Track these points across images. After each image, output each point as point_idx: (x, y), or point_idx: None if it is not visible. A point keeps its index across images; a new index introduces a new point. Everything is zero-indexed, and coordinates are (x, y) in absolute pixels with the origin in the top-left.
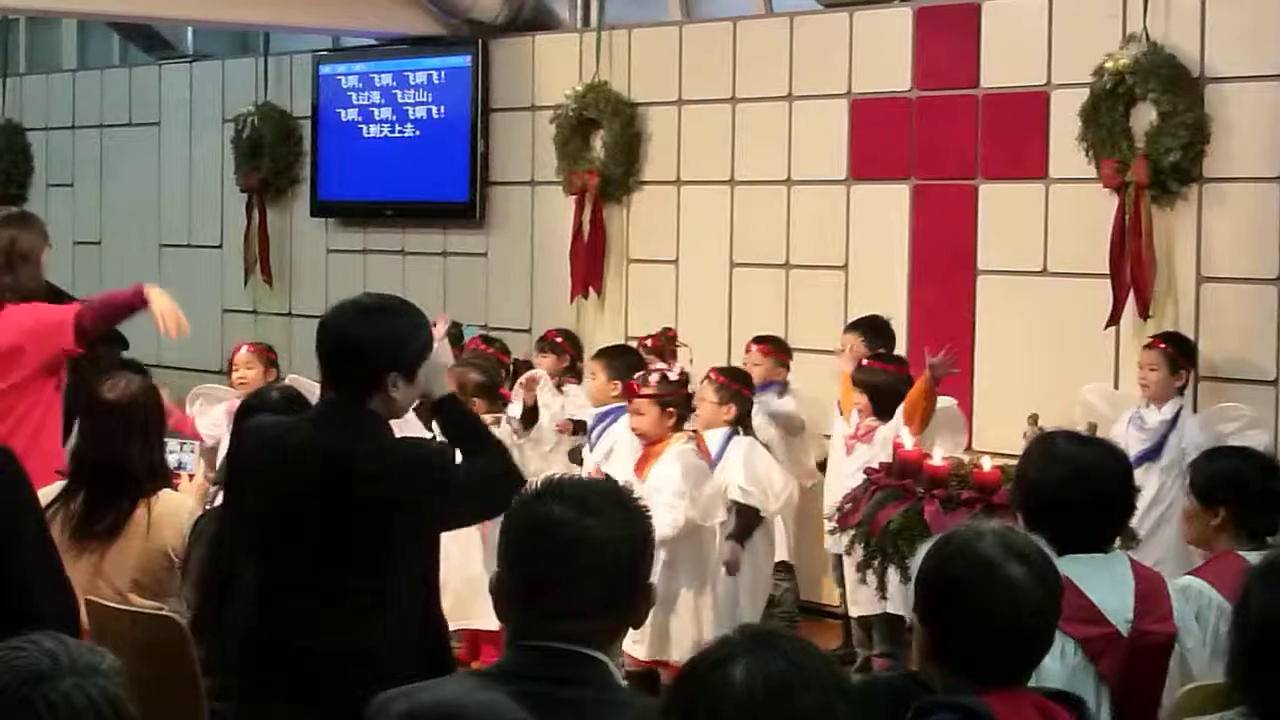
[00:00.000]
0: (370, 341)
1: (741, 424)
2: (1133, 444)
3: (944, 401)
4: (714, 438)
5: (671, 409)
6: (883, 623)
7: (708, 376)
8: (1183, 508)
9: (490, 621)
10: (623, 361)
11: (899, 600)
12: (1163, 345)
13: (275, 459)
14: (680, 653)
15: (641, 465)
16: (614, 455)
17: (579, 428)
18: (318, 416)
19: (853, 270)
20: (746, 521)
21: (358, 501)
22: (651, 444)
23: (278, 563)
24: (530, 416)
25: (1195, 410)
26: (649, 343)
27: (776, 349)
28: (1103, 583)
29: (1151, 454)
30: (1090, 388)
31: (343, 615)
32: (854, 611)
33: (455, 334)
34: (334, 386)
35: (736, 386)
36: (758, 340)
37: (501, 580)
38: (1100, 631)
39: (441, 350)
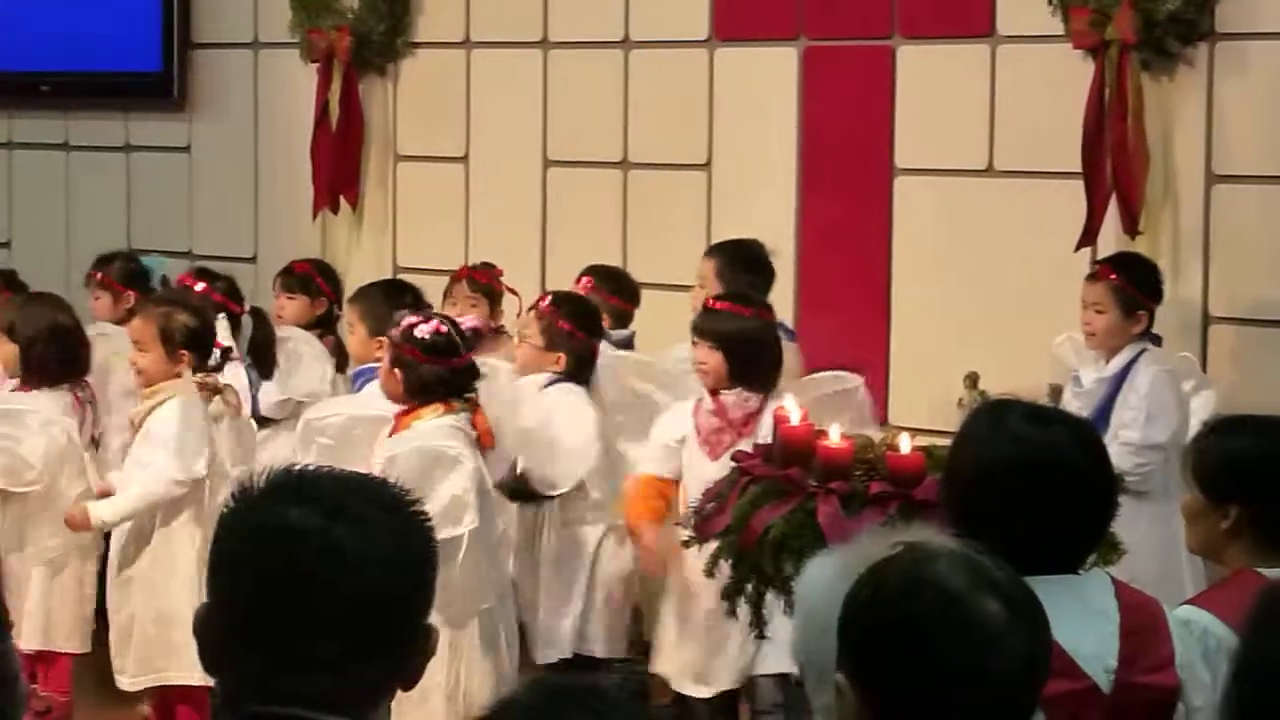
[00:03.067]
0: None
1: (576, 379)
2: (1076, 406)
3: (842, 379)
4: (533, 391)
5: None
6: (765, 684)
7: (535, 307)
8: (1181, 504)
9: (191, 674)
10: (389, 306)
11: (776, 649)
12: (1112, 275)
13: None
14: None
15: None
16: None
17: None
18: None
19: (718, 171)
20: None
21: None
22: (402, 414)
23: None
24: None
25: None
26: (463, 280)
27: (611, 285)
28: (1074, 617)
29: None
30: (1066, 338)
31: None
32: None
33: (134, 271)
34: None
35: (570, 327)
36: (587, 272)
37: (209, 617)
38: (1071, 686)
39: None
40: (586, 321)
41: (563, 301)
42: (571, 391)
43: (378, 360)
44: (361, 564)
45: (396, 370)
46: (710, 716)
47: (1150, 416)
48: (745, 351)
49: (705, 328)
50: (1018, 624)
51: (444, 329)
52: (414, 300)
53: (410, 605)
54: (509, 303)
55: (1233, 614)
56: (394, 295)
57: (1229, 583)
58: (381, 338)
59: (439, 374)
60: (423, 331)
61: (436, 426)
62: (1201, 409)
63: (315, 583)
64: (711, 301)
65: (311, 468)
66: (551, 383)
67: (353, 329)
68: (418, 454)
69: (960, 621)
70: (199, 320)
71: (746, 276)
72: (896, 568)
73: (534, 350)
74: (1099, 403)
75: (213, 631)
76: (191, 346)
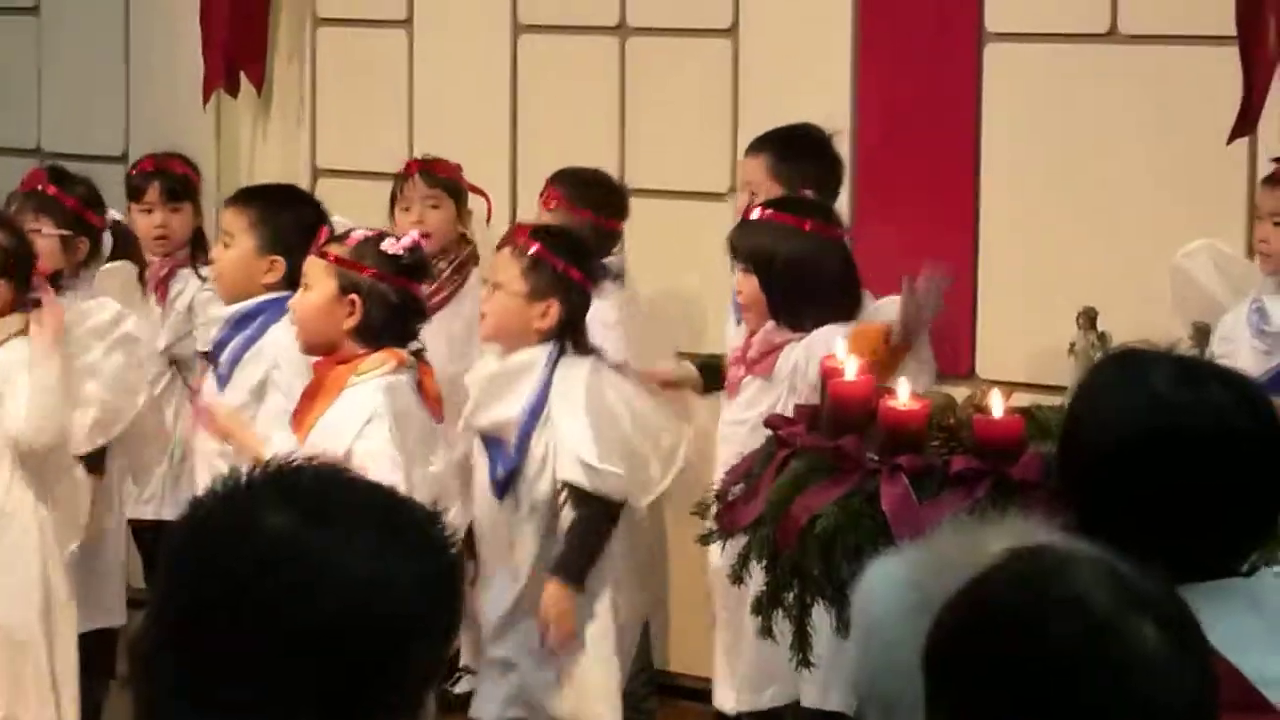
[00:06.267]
0: None
1: (569, 336)
2: (1248, 358)
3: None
4: (523, 366)
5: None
6: None
7: (510, 242)
8: None
9: None
10: (294, 216)
11: (828, 679)
12: None
13: None
14: None
15: (304, 410)
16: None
17: None
18: None
19: (747, 37)
20: (594, 528)
21: None
22: (329, 365)
23: None
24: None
25: None
26: (415, 176)
27: (588, 196)
28: (1252, 633)
29: None
30: (1195, 248)
31: None
32: (742, 703)
33: None
34: None
35: (561, 264)
36: (555, 180)
37: (148, 636)
38: None
39: None
40: (582, 258)
41: (549, 233)
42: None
43: (270, 287)
44: (353, 585)
45: (354, 300)
46: None
47: None
48: (792, 277)
49: (741, 245)
50: (1183, 654)
51: (422, 243)
52: (317, 217)
53: (394, 659)
54: (475, 208)
55: None
56: (294, 203)
57: None
58: (276, 257)
59: (406, 307)
60: (396, 246)
61: (389, 387)
62: None
63: (284, 604)
64: (757, 209)
65: (304, 461)
66: (553, 362)
67: (230, 241)
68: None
69: (1111, 657)
70: (14, 239)
71: (812, 172)
72: (1009, 582)
73: (513, 299)
74: None
75: (145, 654)
76: (6, 272)
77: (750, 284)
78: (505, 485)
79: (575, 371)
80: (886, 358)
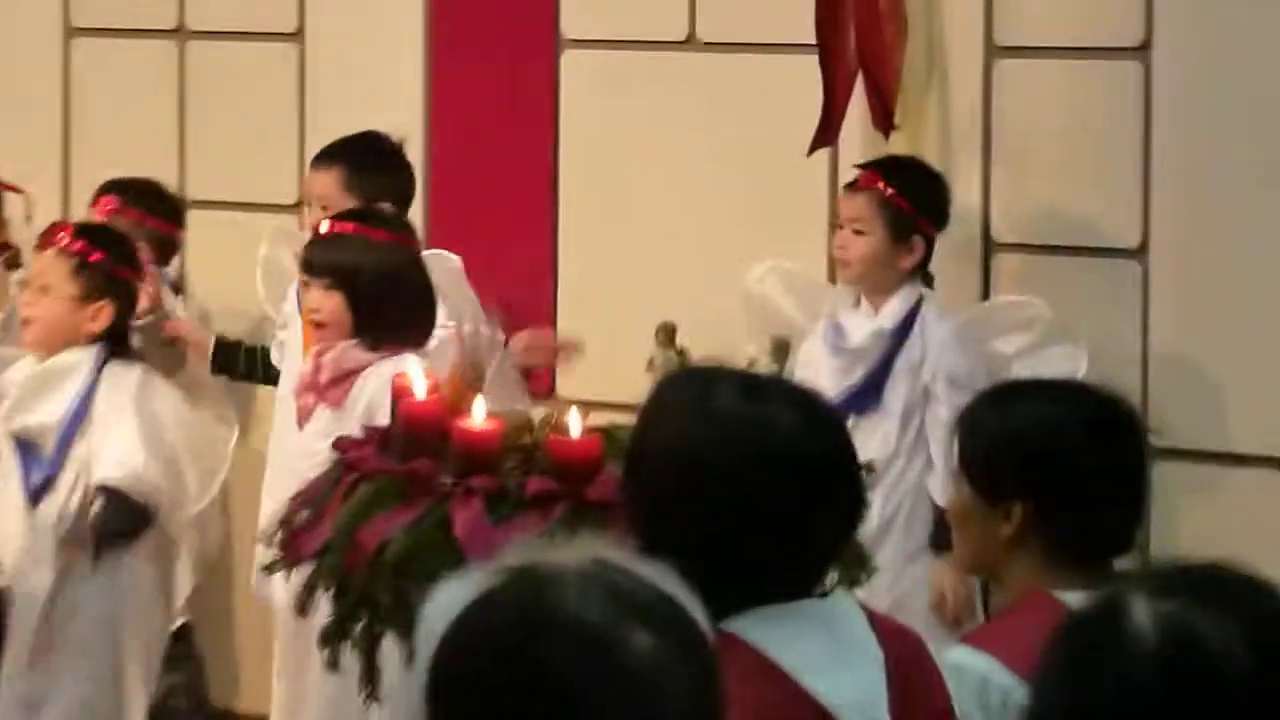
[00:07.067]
0: None
1: (116, 339)
2: (827, 378)
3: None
4: (67, 368)
5: None
6: None
7: (52, 243)
8: (948, 502)
9: None
10: None
11: (398, 715)
12: (880, 183)
13: None
14: None
15: None
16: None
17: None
18: None
19: (314, 41)
20: (120, 530)
21: None
22: None
23: None
24: None
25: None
26: None
27: (145, 203)
28: (825, 656)
29: (861, 396)
30: (762, 272)
31: None
32: None
33: None
34: None
35: (110, 263)
36: (108, 189)
37: None
38: None
39: None
40: (129, 257)
41: (94, 231)
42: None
43: None
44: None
45: None
46: None
47: (959, 390)
48: (379, 292)
49: (320, 261)
50: (682, 658)
51: None
52: None
53: None
54: (12, 208)
55: (1021, 657)
56: None
57: (1015, 612)
58: None
59: None
60: None
61: None
62: (1060, 367)
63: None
64: (330, 224)
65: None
66: (99, 365)
67: None
68: None
69: (603, 670)
70: None
71: (388, 183)
72: (501, 603)
73: (63, 302)
74: (872, 364)
75: None
76: None
77: (332, 301)
78: (39, 492)
79: (124, 378)
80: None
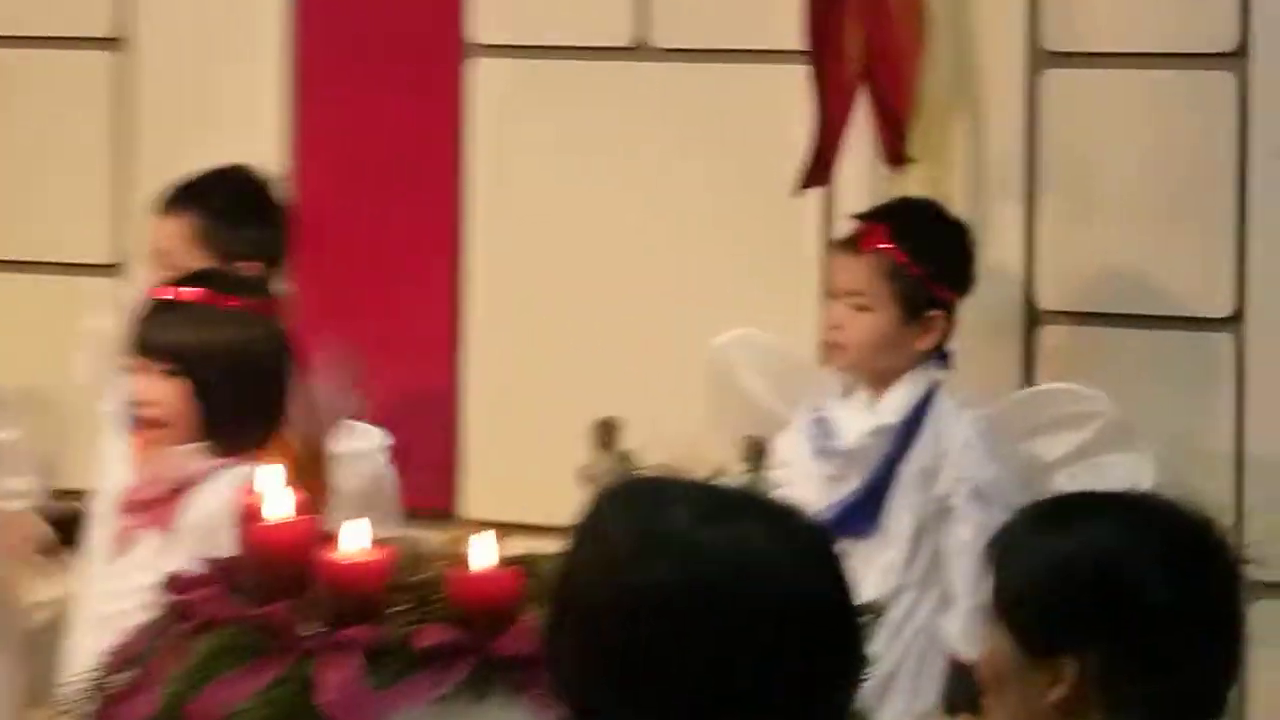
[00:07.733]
0: None
1: None
2: (814, 488)
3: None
4: None
5: None
6: None
7: None
8: (979, 654)
9: None
10: None
11: None
12: (885, 242)
13: None
14: None
15: None
16: None
17: None
18: None
19: (145, 51)
20: None
21: None
22: None
23: None
24: None
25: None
26: None
27: None
28: None
29: (857, 513)
30: (728, 340)
31: None
32: None
33: None
34: None
35: None
36: None
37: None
38: None
39: None
40: None
41: None
42: None
43: None
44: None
45: None
46: None
47: (988, 505)
48: (236, 379)
49: (157, 340)
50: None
51: None
52: None
53: None
54: None
55: None
56: None
57: None
58: None
59: None
60: None
61: None
62: (1121, 476)
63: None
64: (172, 290)
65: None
66: None
67: None
68: None
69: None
70: None
71: (256, 236)
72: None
73: None
74: (872, 475)
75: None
76: None
77: (173, 392)
78: None
79: None
80: (309, 468)
